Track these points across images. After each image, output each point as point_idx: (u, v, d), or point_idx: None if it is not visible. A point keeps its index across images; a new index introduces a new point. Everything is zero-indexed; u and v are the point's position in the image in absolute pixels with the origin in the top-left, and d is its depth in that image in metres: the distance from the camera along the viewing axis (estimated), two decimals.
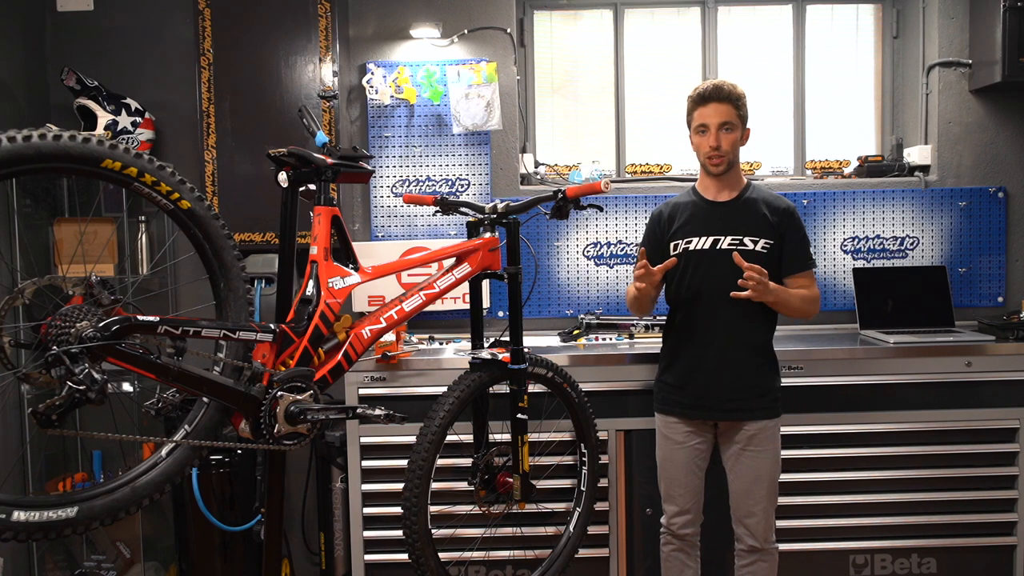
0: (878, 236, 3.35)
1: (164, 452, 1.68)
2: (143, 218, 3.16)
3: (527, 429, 2.31)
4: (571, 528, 2.50)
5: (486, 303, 3.00)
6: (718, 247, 2.39)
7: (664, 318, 2.66)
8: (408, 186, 3.37)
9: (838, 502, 2.81)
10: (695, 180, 2.55)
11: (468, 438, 2.38)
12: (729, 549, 2.54)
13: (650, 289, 2.40)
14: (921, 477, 2.81)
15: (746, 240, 2.38)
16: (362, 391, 2.78)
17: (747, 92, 2.41)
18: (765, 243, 2.38)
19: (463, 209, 2.41)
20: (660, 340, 2.61)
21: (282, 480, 2.07)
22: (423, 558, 2.12)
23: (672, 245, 2.47)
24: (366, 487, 2.80)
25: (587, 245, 3.37)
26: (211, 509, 2.81)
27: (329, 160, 1.95)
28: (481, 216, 2.34)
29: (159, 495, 1.65)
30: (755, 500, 2.41)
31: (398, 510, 2.14)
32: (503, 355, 2.26)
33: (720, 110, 2.35)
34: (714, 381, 2.40)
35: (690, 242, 2.43)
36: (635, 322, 3.18)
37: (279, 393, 1.78)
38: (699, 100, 2.39)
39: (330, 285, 1.92)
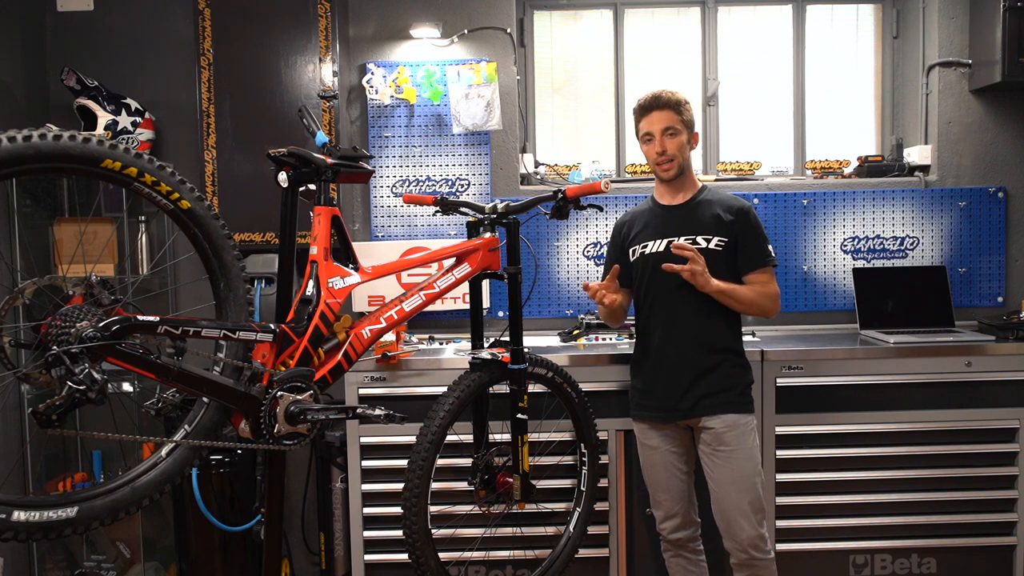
0: (878, 236, 3.35)
1: (164, 452, 1.68)
2: (143, 218, 3.16)
3: (527, 429, 2.31)
4: (571, 528, 2.50)
5: (486, 303, 3.00)
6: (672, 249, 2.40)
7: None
8: (408, 186, 3.37)
9: (838, 502, 2.81)
10: None
11: (468, 438, 2.38)
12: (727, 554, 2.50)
13: (615, 301, 2.40)
14: (921, 477, 2.81)
15: (699, 239, 2.40)
16: (362, 391, 2.78)
17: (690, 99, 2.45)
18: (719, 241, 2.40)
19: (463, 209, 2.41)
20: None
21: (282, 480, 2.07)
22: (423, 558, 2.12)
23: (631, 251, 2.51)
24: (366, 487, 2.80)
25: (587, 245, 3.37)
26: (211, 509, 2.81)
27: (329, 160, 1.95)
28: (481, 216, 2.35)
29: (159, 495, 1.66)
30: (733, 504, 2.33)
31: (398, 510, 2.14)
32: (503, 355, 2.26)
33: (661, 117, 2.40)
34: (674, 381, 2.40)
35: (646, 246, 2.46)
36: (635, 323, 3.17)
37: (279, 393, 1.78)
38: (640, 111, 2.45)
39: (330, 285, 1.92)
